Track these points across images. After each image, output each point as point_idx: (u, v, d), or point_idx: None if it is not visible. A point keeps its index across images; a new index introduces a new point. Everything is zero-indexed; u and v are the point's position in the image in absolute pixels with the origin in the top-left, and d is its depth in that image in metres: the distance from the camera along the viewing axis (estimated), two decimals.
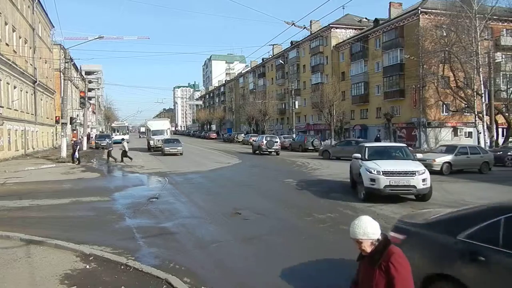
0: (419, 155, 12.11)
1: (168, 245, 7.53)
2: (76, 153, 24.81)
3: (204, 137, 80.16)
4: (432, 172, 13.86)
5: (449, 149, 19.76)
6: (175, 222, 9.41)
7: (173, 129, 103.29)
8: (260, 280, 5.78)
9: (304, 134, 49.37)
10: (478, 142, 29.69)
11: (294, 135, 45.47)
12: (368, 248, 2.84)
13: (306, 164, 23.62)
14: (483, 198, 11.62)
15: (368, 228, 2.81)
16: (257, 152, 33.16)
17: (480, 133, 29.41)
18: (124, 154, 26.15)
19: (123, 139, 29.80)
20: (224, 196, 13.23)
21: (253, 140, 38.48)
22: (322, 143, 37.60)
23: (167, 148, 31.01)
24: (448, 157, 18.53)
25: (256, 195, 13.25)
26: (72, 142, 28.24)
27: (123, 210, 10.79)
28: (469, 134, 37.69)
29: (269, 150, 32.43)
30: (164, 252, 7.07)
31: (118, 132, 56.21)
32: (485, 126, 29.21)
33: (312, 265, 6.32)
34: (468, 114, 34.09)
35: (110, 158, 25.99)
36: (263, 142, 33.09)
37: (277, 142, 33.22)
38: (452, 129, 38.14)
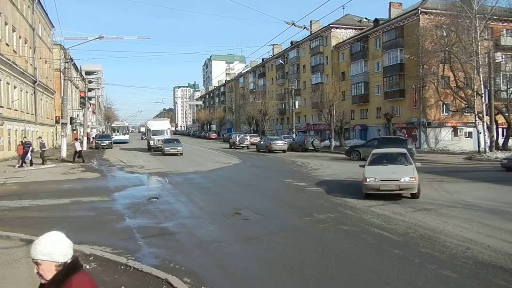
0: None
1: (168, 245, 7.54)
2: (29, 154, 21.92)
3: (204, 137, 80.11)
4: None
5: None
6: (175, 222, 9.41)
7: (173, 129, 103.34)
8: (260, 280, 5.78)
9: (304, 134, 49.37)
10: (478, 142, 29.69)
11: (294, 135, 45.49)
12: (48, 274, 2.15)
13: (306, 164, 23.62)
14: (482, 198, 11.67)
15: (54, 248, 2.14)
16: (232, 147, 42.27)
17: (480, 133, 29.36)
18: (77, 154, 25.28)
19: (76, 139, 29.33)
20: (224, 196, 13.23)
21: (229, 138, 47.75)
22: (320, 143, 39.31)
23: (167, 148, 31.00)
24: None
25: (256, 195, 13.24)
26: (23, 141, 23.33)
27: (123, 210, 10.79)
28: (469, 134, 37.65)
29: (241, 145, 42.11)
30: (164, 252, 7.07)
31: (118, 132, 56.22)
32: (485, 126, 29.16)
33: (313, 264, 6.33)
34: (468, 114, 34.04)
35: (42, 160, 23.79)
36: (236, 139, 42.82)
37: (247, 139, 43.03)
38: (452, 129, 38.10)
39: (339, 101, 41.35)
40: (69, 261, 2.20)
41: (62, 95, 32.40)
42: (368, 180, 11.49)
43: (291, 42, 58.51)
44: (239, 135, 44.86)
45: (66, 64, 29.68)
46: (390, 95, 41.33)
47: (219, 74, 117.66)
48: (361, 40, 46.25)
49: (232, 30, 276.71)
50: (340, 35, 52.40)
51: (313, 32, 50.37)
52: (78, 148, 25.46)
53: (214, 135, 78.18)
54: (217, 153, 35.32)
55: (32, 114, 34.08)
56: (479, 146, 29.52)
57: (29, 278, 5.71)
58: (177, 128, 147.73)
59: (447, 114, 37.17)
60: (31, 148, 22.69)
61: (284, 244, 7.52)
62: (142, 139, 70.59)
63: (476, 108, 29.73)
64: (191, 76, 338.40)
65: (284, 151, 34.90)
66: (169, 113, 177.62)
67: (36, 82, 34.74)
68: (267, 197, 12.77)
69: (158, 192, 13.71)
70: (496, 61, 32.18)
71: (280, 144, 35.30)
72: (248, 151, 37.65)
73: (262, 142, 38.23)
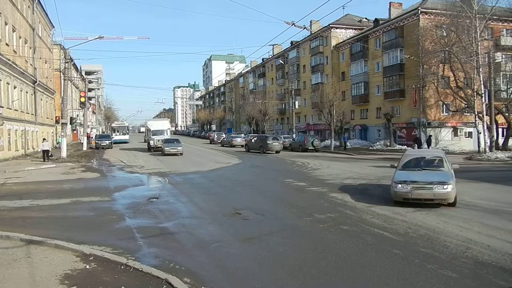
0: None
1: (168, 245, 7.53)
2: None
3: (204, 137, 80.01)
4: None
5: None
6: (175, 222, 9.41)
7: (173, 129, 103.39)
8: (260, 280, 5.78)
9: (304, 134, 49.38)
10: (478, 142, 29.69)
11: (294, 135, 45.51)
12: None
13: (306, 164, 23.62)
14: (482, 198, 11.68)
15: None
16: (212, 142, 52.90)
17: (480, 133, 29.36)
18: (47, 153, 25.55)
19: (44, 139, 29.43)
20: (224, 196, 13.23)
21: (211, 136, 59.39)
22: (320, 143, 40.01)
23: (167, 148, 31.00)
24: None
25: (256, 195, 13.24)
26: None
27: (123, 210, 10.79)
28: (469, 134, 37.66)
29: (218, 141, 50.94)
30: (164, 252, 7.07)
31: (118, 132, 56.24)
32: (485, 126, 29.16)
33: (313, 264, 6.33)
34: (468, 114, 34.03)
35: None
36: (215, 137, 54.75)
37: (222, 136, 52.29)
38: (452, 129, 38.10)
39: (339, 101, 41.36)
40: None
41: (62, 95, 32.41)
42: None
43: (291, 42, 58.54)
44: (216, 133, 58.23)
45: (66, 64, 29.69)
46: (390, 95, 41.32)
47: (219, 74, 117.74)
48: (361, 40, 46.25)
49: (232, 30, 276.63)
50: (340, 35, 52.40)
51: (313, 32, 50.36)
52: (45, 148, 25.77)
53: None
54: (217, 153, 35.33)
55: (32, 114, 34.08)
56: (479, 146, 29.53)
57: (29, 278, 5.71)
58: (177, 128, 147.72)
59: (447, 114, 37.17)
60: None
61: (284, 244, 7.52)
62: (144, 141, 69.84)
63: (476, 108, 29.73)
64: (191, 76, 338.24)
65: (242, 146, 41.97)
66: (169, 113, 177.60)
67: (36, 82, 34.74)
68: (267, 197, 12.76)
69: (158, 192, 13.71)
70: (496, 61, 32.17)
71: (239, 140, 45.10)
72: (237, 149, 40.45)
73: (225, 139, 47.62)
